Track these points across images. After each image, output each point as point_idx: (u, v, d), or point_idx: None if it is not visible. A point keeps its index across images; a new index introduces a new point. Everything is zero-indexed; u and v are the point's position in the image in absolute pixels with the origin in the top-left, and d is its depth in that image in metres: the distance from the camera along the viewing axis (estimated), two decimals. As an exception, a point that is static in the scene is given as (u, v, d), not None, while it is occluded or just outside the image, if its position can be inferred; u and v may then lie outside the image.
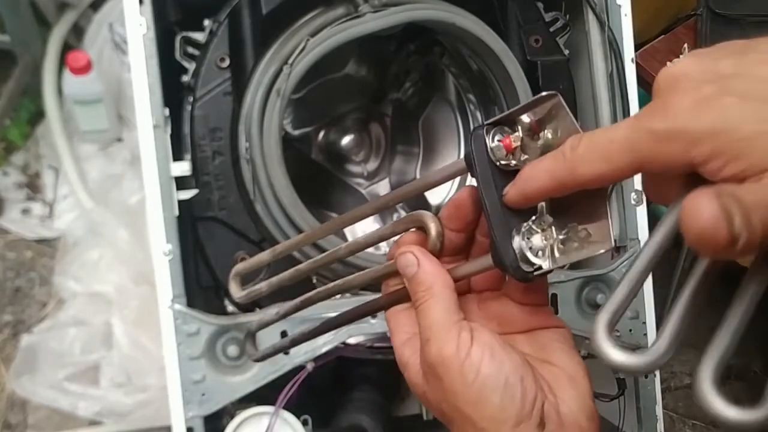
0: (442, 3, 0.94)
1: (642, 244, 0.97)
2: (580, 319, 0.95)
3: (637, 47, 1.02)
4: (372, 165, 1.27)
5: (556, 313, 0.94)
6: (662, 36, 1.28)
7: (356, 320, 0.50)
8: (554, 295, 0.94)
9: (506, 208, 0.42)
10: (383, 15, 0.91)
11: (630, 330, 0.96)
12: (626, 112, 0.97)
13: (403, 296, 0.46)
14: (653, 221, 1.13)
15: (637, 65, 1.02)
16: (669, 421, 1.66)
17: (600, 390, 1.02)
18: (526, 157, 0.42)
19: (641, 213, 0.97)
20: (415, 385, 0.46)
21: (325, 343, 0.88)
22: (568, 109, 0.40)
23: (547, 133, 0.41)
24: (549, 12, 1.00)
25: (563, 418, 0.42)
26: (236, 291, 0.60)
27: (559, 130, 0.40)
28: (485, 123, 0.42)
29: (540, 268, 0.42)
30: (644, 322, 0.97)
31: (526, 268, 0.41)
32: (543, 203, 0.43)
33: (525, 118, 0.41)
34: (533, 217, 0.42)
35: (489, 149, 0.41)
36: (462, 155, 0.44)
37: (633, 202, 0.97)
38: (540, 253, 0.41)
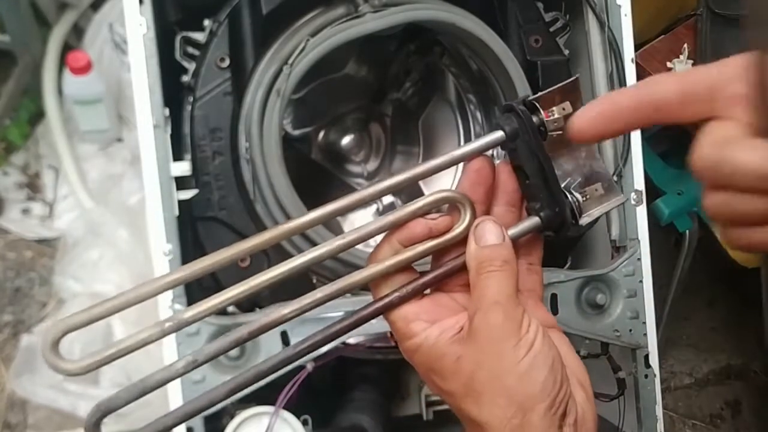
0: (442, 3, 0.94)
1: (642, 244, 0.97)
2: (580, 319, 0.95)
3: (637, 47, 1.02)
4: (372, 165, 1.27)
5: (556, 313, 0.94)
6: (662, 36, 1.28)
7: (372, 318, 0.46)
8: (554, 295, 0.94)
9: (552, 170, 0.46)
10: (383, 15, 0.91)
11: (630, 330, 0.96)
12: (626, 112, 0.97)
13: (452, 270, 0.46)
14: (653, 221, 1.13)
15: (637, 65, 1.01)
16: (669, 421, 1.66)
17: (600, 390, 1.02)
18: (556, 124, 0.46)
19: (641, 213, 0.97)
20: (444, 355, 0.43)
21: (325, 343, 0.88)
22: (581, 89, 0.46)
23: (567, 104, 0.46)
24: (549, 12, 1.00)
25: (578, 417, 0.43)
26: None
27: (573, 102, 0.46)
28: (529, 97, 0.46)
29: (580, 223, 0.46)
30: (644, 322, 0.96)
31: (581, 222, 0.46)
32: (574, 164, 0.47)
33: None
34: (569, 180, 0.46)
35: (534, 121, 0.46)
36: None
37: (633, 202, 0.97)
38: (583, 209, 0.46)
